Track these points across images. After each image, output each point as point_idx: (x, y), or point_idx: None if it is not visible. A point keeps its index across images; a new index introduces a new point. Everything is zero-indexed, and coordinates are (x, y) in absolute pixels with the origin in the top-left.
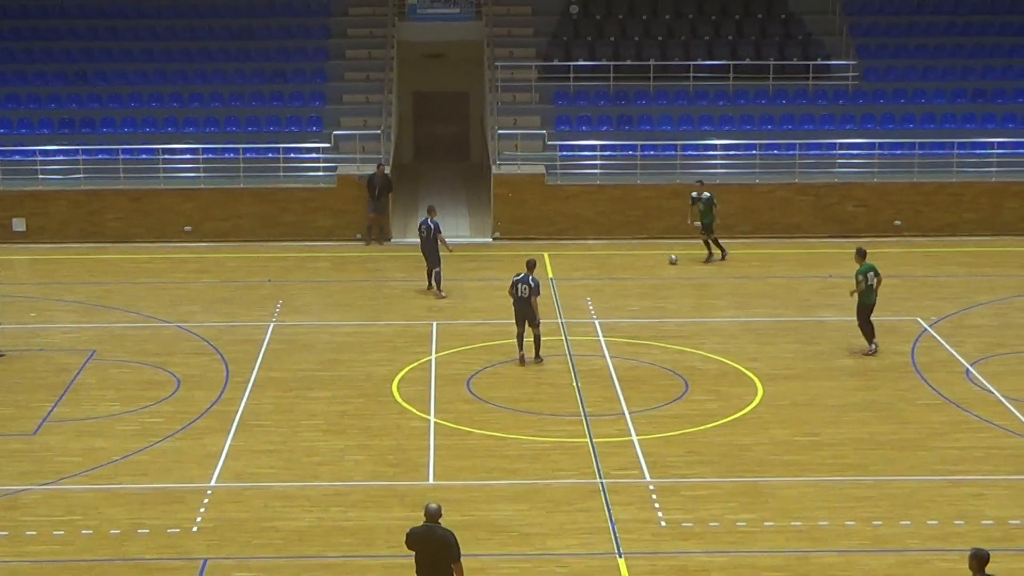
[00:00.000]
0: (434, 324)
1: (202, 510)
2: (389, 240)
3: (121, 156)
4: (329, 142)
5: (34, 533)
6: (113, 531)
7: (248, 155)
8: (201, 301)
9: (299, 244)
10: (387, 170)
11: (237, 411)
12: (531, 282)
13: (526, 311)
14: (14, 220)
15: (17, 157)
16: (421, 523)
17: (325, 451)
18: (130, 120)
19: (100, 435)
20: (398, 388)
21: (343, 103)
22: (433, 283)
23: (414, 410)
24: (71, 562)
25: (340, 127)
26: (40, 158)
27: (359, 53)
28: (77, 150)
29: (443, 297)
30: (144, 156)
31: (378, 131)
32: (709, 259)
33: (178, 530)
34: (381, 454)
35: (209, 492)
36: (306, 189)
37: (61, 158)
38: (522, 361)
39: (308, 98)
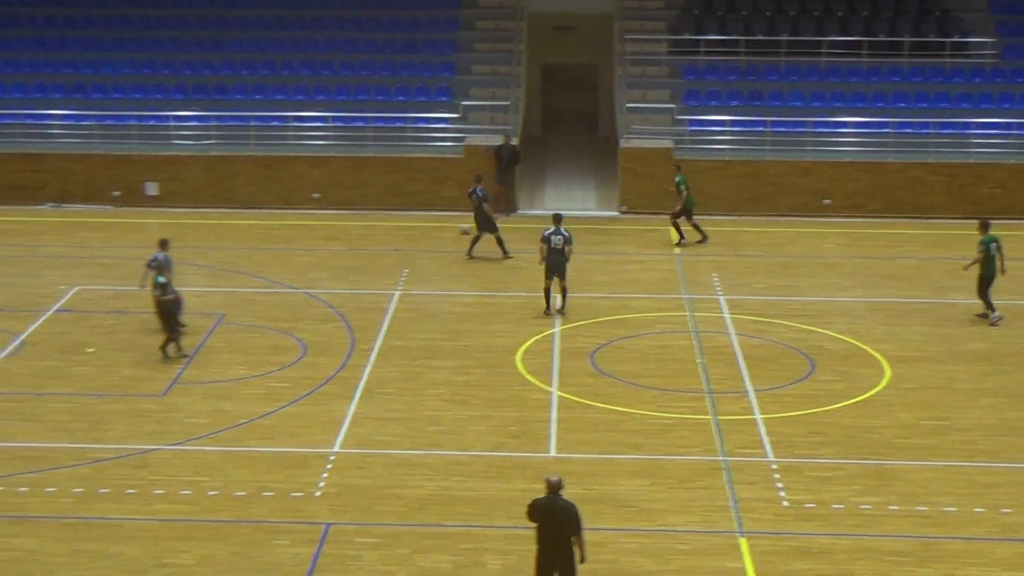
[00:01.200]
0: (558, 297)
1: (325, 475)
2: (515, 211)
3: (253, 123)
4: (457, 112)
5: (162, 492)
6: (238, 492)
7: (376, 124)
8: (328, 268)
9: (425, 213)
10: (514, 141)
11: (361, 378)
12: (564, 233)
13: (559, 264)
14: (148, 184)
15: (152, 122)
16: (543, 495)
17: (448, 420)
18: (262, 87)
19: (227, 398)
20: (521, 360)
21: (472, 74)
22: (501, 249)
23: (537, 382)
24: (197, 521)
25: (469, 98)
26: (174, 123)
27: (489, 24)
28: (210, 116)
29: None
30: (275, 123)
31: (507, 103)
32: (681, 242)
33: (301, 494)
34: (503, 425)
35: (332, 458)
36: (433, 159)
37: (194, 124)
38: (549, 312)
39: (437, 68)
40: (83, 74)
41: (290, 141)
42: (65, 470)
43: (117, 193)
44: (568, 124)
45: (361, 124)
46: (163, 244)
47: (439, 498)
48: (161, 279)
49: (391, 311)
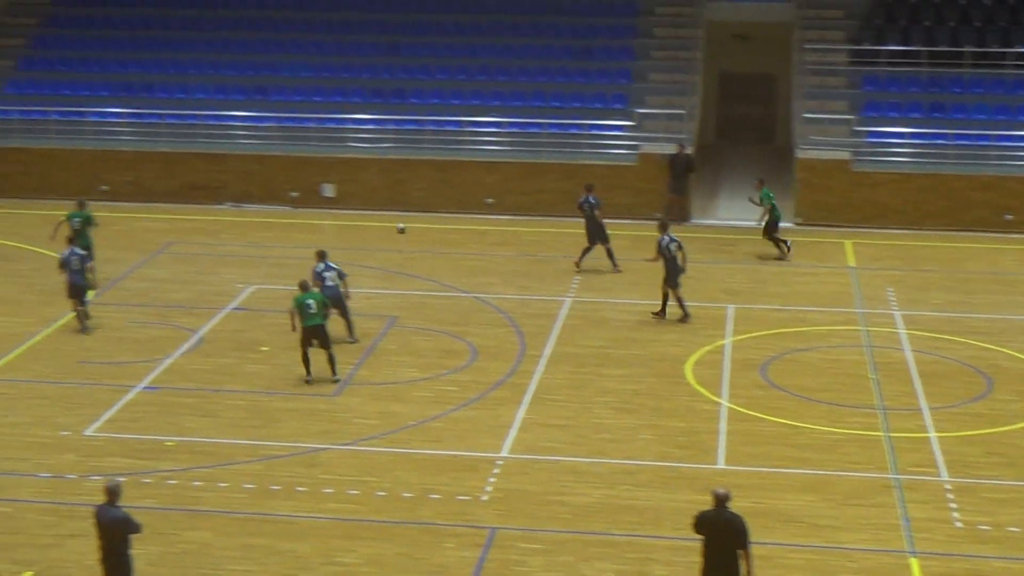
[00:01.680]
0: (730, 307)
1: (492, 479)
2: (688, 221)
3: (429, 127)
4: (632, 120)
5: (331, 491)
6: (406, 494)
7: (551, 130)
8: (499, 273)
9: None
10: (688, 150)
11: (530, 384)
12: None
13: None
14: (324, 185)
15: (330, 124)
16: (710, 507)
17: (615, 429)
18: (438, 91)
19: (397, 400)
20: (691, 370)
21: (648, 81)
22: (611, 260)
23: (706, 393)
24: (365, 521)
25: (644, 105)
26: (351, 126)
27: (667, 32)
28: (387, 120)
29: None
30: (450, 127)
31: (682, 111)
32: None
33: (468, 498)
34: (671, 435)
35: (499, 462)
36: (607, 166)
37: (371, 127)
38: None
39: (614, 75)
40: (264, 76)
41: (465, 146)
42: (238, 466)
43: (295, 194)
44: (744, 133)
45: (536, 130)
46: (321, 255)
47: (605, 506)
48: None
49: (562, 317)
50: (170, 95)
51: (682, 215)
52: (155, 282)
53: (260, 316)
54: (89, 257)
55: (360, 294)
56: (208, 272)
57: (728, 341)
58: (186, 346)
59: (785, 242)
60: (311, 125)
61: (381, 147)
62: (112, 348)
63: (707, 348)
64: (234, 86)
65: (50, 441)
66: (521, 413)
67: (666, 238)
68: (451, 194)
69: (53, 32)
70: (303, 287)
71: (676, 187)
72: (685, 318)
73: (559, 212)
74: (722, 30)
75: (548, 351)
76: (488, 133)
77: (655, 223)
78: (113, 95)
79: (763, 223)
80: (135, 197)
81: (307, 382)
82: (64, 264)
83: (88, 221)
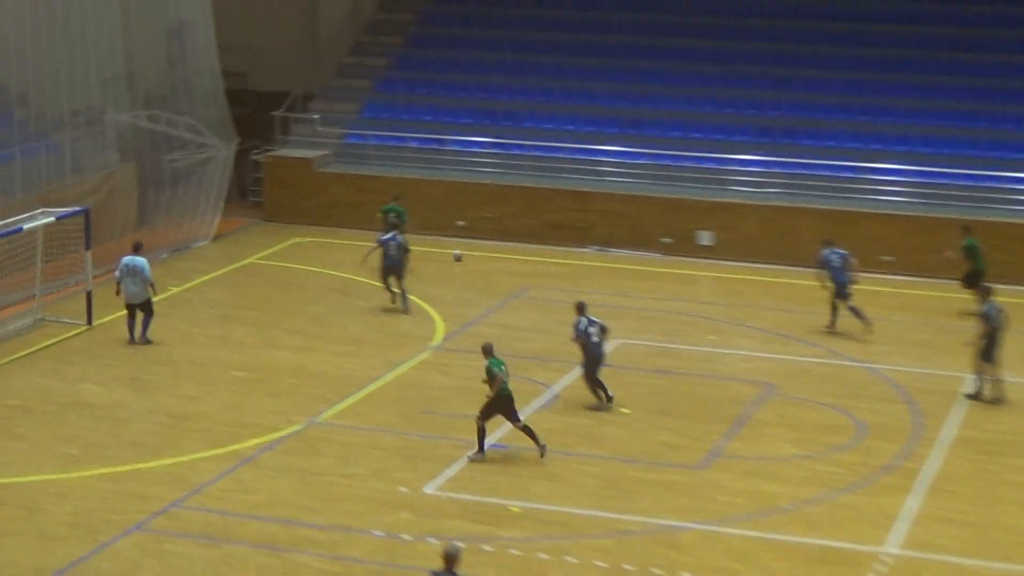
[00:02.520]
0: None
1: None
2: None
3: (821, 172)
4: None
5: (689, 575)
6: None
7: (962, 181)
8: (895, 341)
9: (1014, 288)
10: None
11: (924, 470)
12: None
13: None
14: (700, 232)
15: (710, 165)
16: None
17: None
18: (834, 133)
19: (769, 478)
20: None
21: None
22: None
23: None
24: None
25: None
26: (733, 167)
27: None
28: (773, 162)
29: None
30: (846, 174)
31: None
32: None
33: None
34: None
35: (885, 559)
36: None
37: (756, 169)
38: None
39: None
40: (640, 108)
41: (861, 195)
42: (589, 540)
43: (667, 240)
44: None
45: (944, 180)
46: (580, 308)
47: None
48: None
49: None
50: (537, 125)
51: None
52: (509, 329)
53: (622, 374)
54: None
55: (736, 356)
56: (567, 322)
57: None
58: (539, 402)
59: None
60: (688, 164)
61: (765, 192)
62: (459, 399)
63: None
64: (607, 118)
65: (387, 496)
66: (913, 503)
67: None
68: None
69: (415, 53)
70: (487, 351)
71: None
72: None
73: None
74: None
75: (948, 433)
76: (888, 182)
77: None
78: (476, 123)
79: (968, 272)
80: (493, 234)
81: (472, 457)
82: (382, 245)
83: (401, 216)
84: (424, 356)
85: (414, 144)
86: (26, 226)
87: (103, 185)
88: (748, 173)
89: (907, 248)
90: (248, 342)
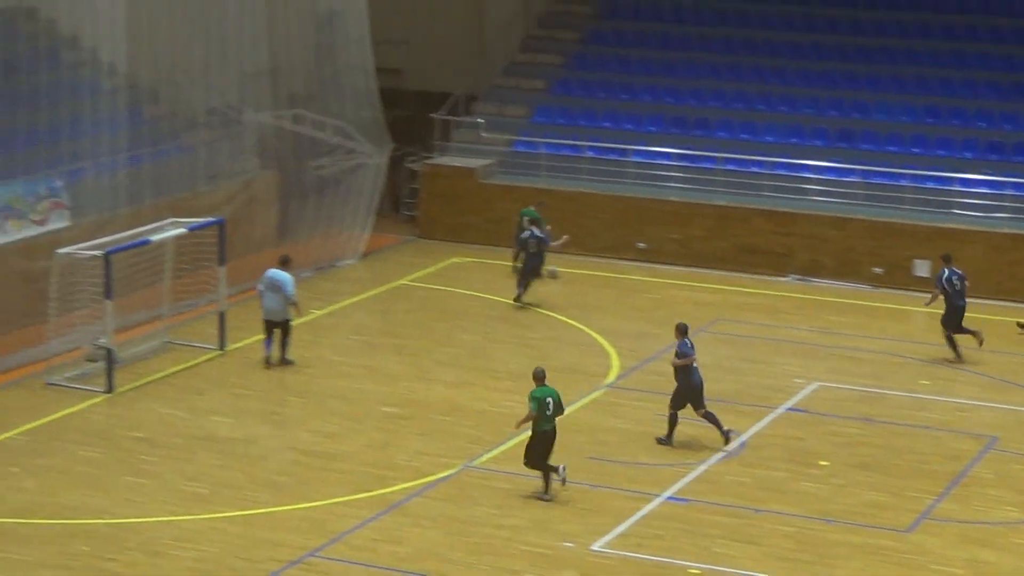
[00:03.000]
0: None
1: None
2: None
3: None
4: None
5: None
6: None
7: None
8: None
9: None
10: None
11: None
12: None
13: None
14: (918, 262)
15: (931, 184)
16: None
17: None
18: None
19: (989, 545)
20: None
21: None
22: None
23: None
24: None
25: None
26: (959, 188)
27: None
28: (1006, 183)
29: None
30: None
31: None
32: None
33: None
34: None
35: None
36: None
37: (984, 190)
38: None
39: None
40: (851, 119)
41: None
42: None
43: (879, 270)
44: None
45: None
46: (683, 330)
47: None
48: None
49: None
50: (731, 135)
51: None
52: None
53: (823, 422)
54: (547, 240)
55: (951, 404)
56: (761, 360)
57: None
58: (726, 451)
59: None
60: (905, 184)
61: (994, 217)
62: (632, 445)
63: None
64: (812, 129)
65: (550, 552)
66: None
67: None
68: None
69: (594, 50)
70: (539, 378)
71: None
72: None
73: None
74: None
75: None
76: None
77: None
78: (663, 131)
79: None
80: (679, 259)
81: (542, 499)
82: (521, 243)
83: (536, 222)
84: (596, 395)
85: (591, 154)
86: (154, 238)
87: (240, 193)
88: (975, 195)
89: None
90: (398, 374)
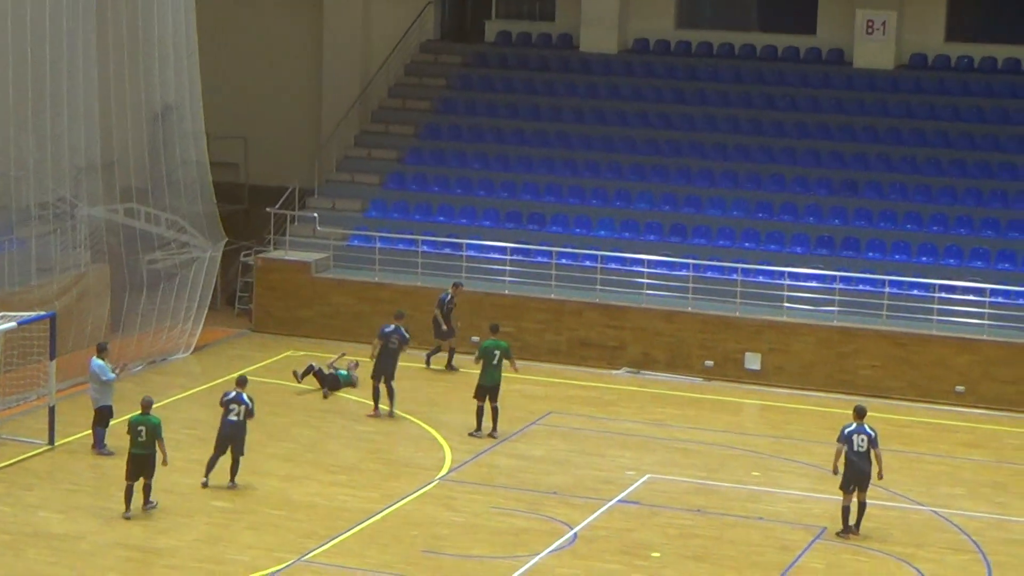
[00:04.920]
0: None
1: None
2: None
3: (890, 290)
4: None
5: None
6: None
7: None
8: (966, 483)
9: None
10: None
11: None
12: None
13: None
14: (748, 355)
15: (760, 279)
16: None
17: None
18: (902, 245)
19: None
20: None
21: None
22: None
23: None
24: None
25: None
26: (788, 282)
27: None
28: (834, 276)
29: None
30: (915, 292)
31: None
32: None
33: None
34: None
35: None
36: None
37: (813, 286)
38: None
39: None
40: (684, 214)
41: (932, 316)
42: None
43: (709, 363)
44: None
45: None
46: None
47: None
48: None
49: None
50: (565, 230)
51: None
52: (527, 460)
53: (655, 514)
54: (407, 340)
55: (783, 496)
56: (593, 452)
57: None
58: (557, 543)
59: None
60: (736, 278)
61: (823, 311)
62: (465, 538)
63: None
64: (646, 223)
65: None
66: None
67: None
68: (911, 377)
69: (429, 145)
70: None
71: None
72: None
73: None
74: None
75: None
76: (966, 302)
77: None
78: (497, 226)
79: None
80: (512, 352)
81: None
82: (383, 337)
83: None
84: (429, 488)
85: (425, 249)
86: None
87: (72, 287)
88: (805, 289)
89: (982, 377)
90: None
